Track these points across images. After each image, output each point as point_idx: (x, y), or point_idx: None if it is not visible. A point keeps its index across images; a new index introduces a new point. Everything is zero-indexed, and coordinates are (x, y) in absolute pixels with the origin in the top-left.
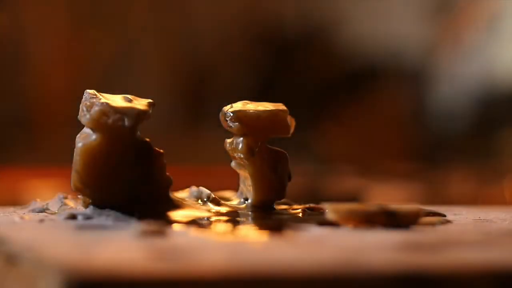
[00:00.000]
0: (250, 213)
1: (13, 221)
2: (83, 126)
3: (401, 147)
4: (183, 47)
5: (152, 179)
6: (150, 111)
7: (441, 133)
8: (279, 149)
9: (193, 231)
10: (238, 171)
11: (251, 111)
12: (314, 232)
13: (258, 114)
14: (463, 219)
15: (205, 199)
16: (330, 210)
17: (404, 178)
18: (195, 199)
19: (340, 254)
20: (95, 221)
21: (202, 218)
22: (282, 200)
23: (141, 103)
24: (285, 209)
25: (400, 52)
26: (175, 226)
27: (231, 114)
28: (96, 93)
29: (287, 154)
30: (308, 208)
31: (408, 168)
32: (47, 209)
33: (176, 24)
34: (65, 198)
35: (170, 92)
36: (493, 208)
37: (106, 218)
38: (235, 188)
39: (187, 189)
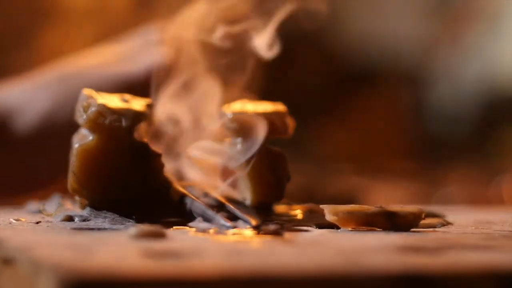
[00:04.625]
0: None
1: (9, 222)
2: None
3: (401, 146)
4: None
5: (150, 180)
6: (148, 112)
7: (441, 133)
8: (278, 149)
9: (192, 232)
10: (236, 171)
11: (250, 111)
12: (313, 233)
13: (257, 115)
14: (463, 220)
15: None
16: (329, 212)
17: (403, 177)
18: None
19: (340, 256)
20: (92, 223)
21: (201, 220)
22: (282, 201)
23: (138, 104)
24: (284, 210)
25: (400, 52)
26: (173, 228)
27: (230, 115)
28: (93, 93)
29: (286, 155)
30: (308, 209)
31: (408, 167)
32: (44, 210)
33: None
34: (62, 199)
35: None
36: (494, 208)
37: (103, 220)
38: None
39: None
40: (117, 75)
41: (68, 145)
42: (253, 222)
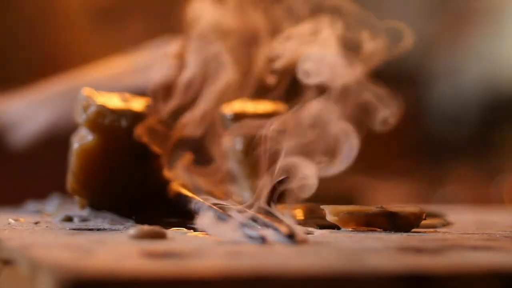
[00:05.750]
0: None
1: (8, 223)
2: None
3: (402, 146)
4: None
5: (149, 181)
6: (147, 112)
7: (442, 132)
8: (277, 149)
9: (191, 233)
10: (236, 170)
11: (250, 111)
12: (314, 234)
13: (257, 114)
14: (464, 220)
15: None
16: (330, 212)
17: (404, 177)
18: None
19: (340, 256)
20: (91, 223)
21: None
22: (281, 200)
23: (138, 104)
24: (284, 210)
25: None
26: (172, 228)
27: (231, 114)
28: (93, 93)
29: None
30: (308, 209)
31: (408, 167)
32: (43, 210)
33: None
34: (61, 199)
35: None
36: (494, 208)
37: (102, 220)
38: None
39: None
40: (126, 88)
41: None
42: (284, 230)
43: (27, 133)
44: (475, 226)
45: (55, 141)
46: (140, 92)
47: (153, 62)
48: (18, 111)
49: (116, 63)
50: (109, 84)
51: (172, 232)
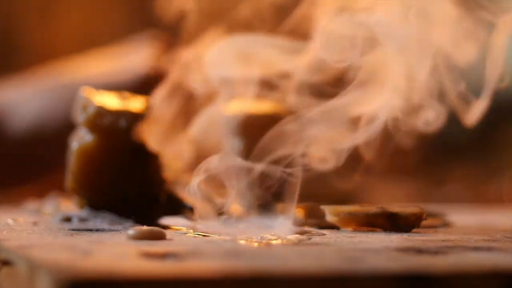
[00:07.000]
0: (249, 213)
1: (7, 223)
2: None
3: (402, 145)
4: None
5: (148, 181)
6: (147, 112)
7: (442, 131)
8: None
9: (190, 233)
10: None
11: (251, 112)
12: (314, 234)
13: (259, 115)
14: (465, 220)
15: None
16: (330, 212)
17: (404, 176)
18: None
19: (340, 256)
20: (90, 223)
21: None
22: (282, 200)
23: (137, 103)
24: (285, 210)
25: None
26: (171, 228)
27: (231, 115)
28: (92, 93)
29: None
30: (308, 209)
31: (408, 166)
32: (42, 210)
33: None
34: (60, 199)
35: None
36: (494, 208)
37: (101, 221)
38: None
39: None
40: (115, 85)
41: (57, 147)
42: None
43: (21, 121)
44: (476, 226)
45: (45, 133)
46: (129, 88)
47: (138, 58)
48: (13, 99)
49: (103, 59)
50: (96, 82)
51: (171, 232)
